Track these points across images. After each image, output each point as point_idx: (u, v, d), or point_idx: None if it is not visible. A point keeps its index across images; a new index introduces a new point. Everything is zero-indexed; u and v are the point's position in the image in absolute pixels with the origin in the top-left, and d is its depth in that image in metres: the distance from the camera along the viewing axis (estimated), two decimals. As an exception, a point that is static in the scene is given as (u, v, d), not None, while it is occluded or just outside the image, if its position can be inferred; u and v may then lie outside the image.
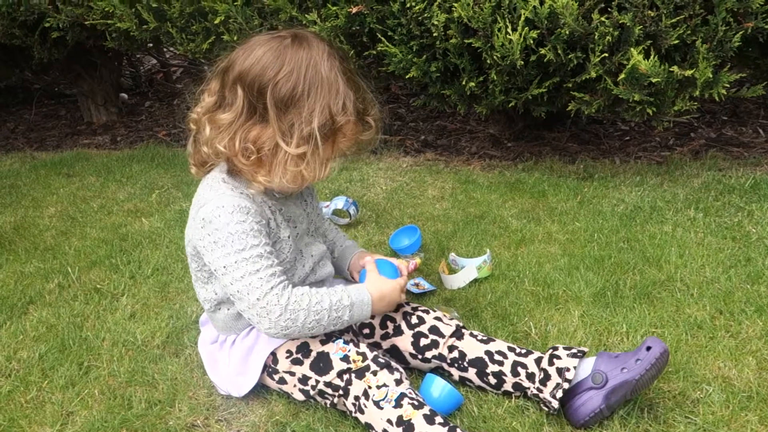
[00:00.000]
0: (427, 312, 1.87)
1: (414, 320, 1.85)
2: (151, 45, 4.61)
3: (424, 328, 1.83)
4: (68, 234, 2.78)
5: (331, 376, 1.65)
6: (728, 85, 2.61)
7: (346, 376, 1.64)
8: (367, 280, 1.78)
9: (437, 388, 1.70)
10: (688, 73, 2.53)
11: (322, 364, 1.67)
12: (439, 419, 1.54)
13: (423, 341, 1.82)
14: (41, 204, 3.11)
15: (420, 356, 1.82)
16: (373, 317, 1.82)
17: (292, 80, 1.53)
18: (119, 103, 4.63)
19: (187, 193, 3.09)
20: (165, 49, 5.21)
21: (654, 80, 2.53)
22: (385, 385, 1.60)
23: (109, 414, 1.76)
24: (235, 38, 3.03)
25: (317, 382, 1.67)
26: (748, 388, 1.72)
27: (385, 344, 1.85)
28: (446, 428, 1.53)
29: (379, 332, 1.87)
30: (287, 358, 1.72)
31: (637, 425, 1.62)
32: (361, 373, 1.63)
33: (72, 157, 3.76)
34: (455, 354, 1.79)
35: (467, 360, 1.77)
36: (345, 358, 1.65)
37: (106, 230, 2.78)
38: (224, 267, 1.60)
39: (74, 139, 4.29)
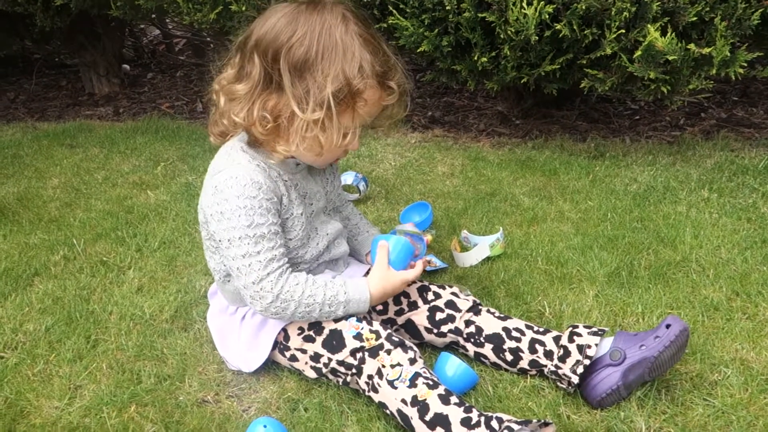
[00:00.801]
0: (443, 287, 1.85)
1: (430, 296, 1.82)
2: (154, 16, 4.54)
3: (440, 303, 1.81)
4: (73, 205, 2.74)
5: (343, 355, 1.63)
6: (745, 65, 2.57)
7: (359, 355, 1.61)
8: (372, 272, 1.73)
9: (452, 366, 1.67)
10: (706, 51, 2.49)
11: (335, 342, 1.64)
12: (454, 399, 1.52)
13: (439, 315, 1.79)
14: (44, 175, 3.06)
15: (435, 330, 1.79)
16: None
17: (306, 44, 1.48)
18: (121, 74, 4.56)
19: (193, 166, 3.05)
20: (168, 20, 5.13)
21: (670, 58, 2.48)
22: (399, 364, 1.57)
23: (118, 388, 1.73)
24: (243, 8, 2.97)
25: (329, 360, 1.65)
26: (766, 371, 1.70)
27: (401, 320, 1.83)
28: (462, 408, 1.50)
29: (393, 308, 1.84)
30: (299, 335, 1.69)
31: (654, 407, 1.60)
32: (374, 352, 1.60)
33: (74, 128, 3.71)
34: (472, 329, 1.77)
35: (484, 335, 1.75)
36: (358, 336, 1.62)
37: (111, 202, 2.74)
38: (228, 240, 1.58)
39: (76, 109, 4.23)
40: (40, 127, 3.85)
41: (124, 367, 1.81)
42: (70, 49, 4.45)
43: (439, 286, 1.85)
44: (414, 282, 1.85)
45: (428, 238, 2.32)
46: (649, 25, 2.49)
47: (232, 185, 1.56)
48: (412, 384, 1.54)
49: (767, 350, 1.77)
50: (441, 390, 1.53)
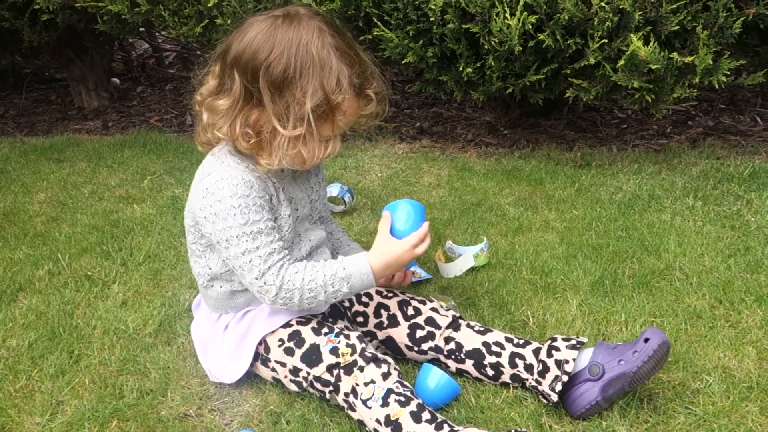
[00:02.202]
0: (424, 302, 1.84)
1: (410, 311, 1.82)
2: (143, 29, 4.55)
3: (420, 320, 1.80)
4: (58, 220, 2.73)
5: (320, 370, 1.62)
6: (728, 73, 2.58)
7: (335, 372, 1.61)
8: (374, 245, 1.70)
9: (434, 378, 1.67)
10: (688, 59, 2.50)
11: (313, 357, 1.64)
12: (426, 415, 1.52)
13: (419, 333, 1.79)
14: (31, 189, 3.06)
15: (416, 348, 1.79)
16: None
17: (283, 62, 1.50)
18: (111, 88, 4.56)
19: (180, 180, 3.05)
20: (157, 34, 5.14)
21: (653, 67, 2.50)
22: (372, 381, 1.57)
23: (100, 403, 1.73)
24: (229, 22, 2.98)
25: (308, 374, 1.65)
26: (748, 379, 1.70)
27: (381, 335, 1.82)
28: (433, 425, 1.50)
29: (372, 321, 1.84)
30: (279, 346, 1.69)
31: (636, 416, 1.60)
32: (349, 369, 1.60)
33: (62, 143, 3.70)
34: (452, 345, 1.76)
35: (464, 351, 1.75)
36: (334, 351, 1.62)
37: (97, 216, 2.74)
38: (226, 240, 1.59)
39: (65, 124, 4.23)
40: (29, 141, 3.84)
41: (106, 382, 1.80)
42: (59, 64, 4.45)
43: (420, 301, 1.84)
44: (395, 293, 1.85)
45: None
46: (631, 35, 2.50)
47: (224, 186, 1.57)
48: (385, 402, 1.54)
49: (749, 358, 1.77)
50: (413, 406, 1.53)
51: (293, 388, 1.69)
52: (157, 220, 2.66)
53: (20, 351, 1.94)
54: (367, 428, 1.58)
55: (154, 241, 2.50)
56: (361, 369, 1.58)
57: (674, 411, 1.62)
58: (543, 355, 1.66)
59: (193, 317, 1.91)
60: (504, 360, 1.70)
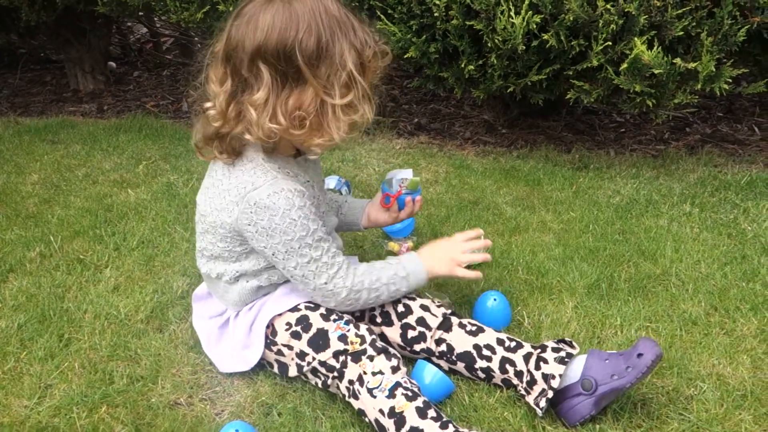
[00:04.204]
0: (414, 299, 1.81)
1: (400, 308, 1.79)
2: (141, 14, 4.51)
3: (411, 319, 1.78)
4: (51, 202, 2.70)
5: (326, 355, 1.61)
6: (730, 80, 2.58)
7: (342, 358, 1.60)
8: (424, 249, 1.80)
9: (428, 374, 1.66)
10: (691, 65, 2.50)
11: (320, 342, 1.63)
12: (431, 413, 1.50)
13: (411, 333, 1.77)
14: (24, 170, 3.02)
15: (408, 348, 1.78)
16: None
17: (314, 34, 1.47)
18: (107, 71, 4.52)
19: (175, 166, 3.02)
20: (156, 19, 5.10)
21: (656, 71, 2.49)
22: (380, 372, 1.56)
23: (90, 388, 1.71)
24: (231, 8, 2.94)
25: (313, 359, 1.63)
26: (742, 387, 1.70)
27: (375, 330, 1.79)
28: (438, 423, 1.49)
29: (367, 314, 1.82)
30: (286, 330, 1.68)
31: (630, 420, 1.60)
32: (357, 357, 1.58)
33: (57, 124, 3.66)
34: (443, 347, 1.75)
35: (455, 354, 1.73)
36: (342, 338, 1.61)
37: (90, 200, 2.71)
38: (285, 252, 1.59)
39: (59, 105, 4.19)
40: (22, 122, 3.80)
41: (96, 367, 1.78)
42: (56, 45, 4.41)
43: (410, 298, 1.81)
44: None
45: (410, 244, 2.32)
46: (635, 38, 2.49)
47: (277, 200, 1.55)
48: (391, 394, 1.52)
49: (744, 366, 1.77)
50: (419, 402, 1.51)
51: (293, 371, 1.68)
52: (151, 206, 2.63)
53: (9, 332, 1.91)
54: (367, 418, 1.56)
55: (148, 227, 2.47)
56: (371, 358, 1.57)
57: (668, 417, 1.61)
58: (531, 366, 1.64)
59: (192, 308, 1.89)
60: (494, 365, 1.69)
